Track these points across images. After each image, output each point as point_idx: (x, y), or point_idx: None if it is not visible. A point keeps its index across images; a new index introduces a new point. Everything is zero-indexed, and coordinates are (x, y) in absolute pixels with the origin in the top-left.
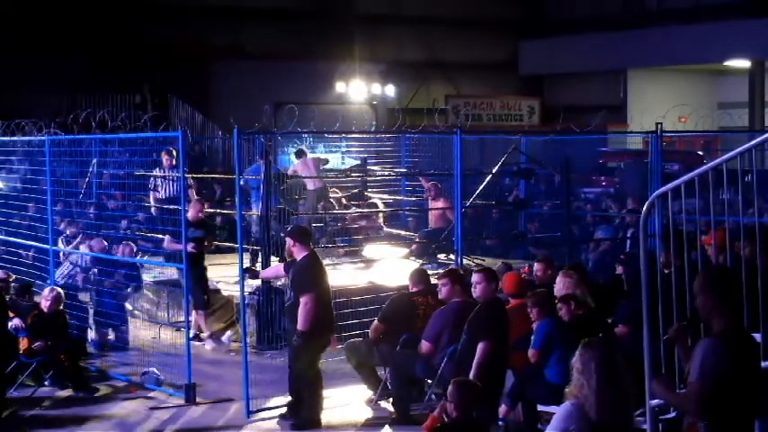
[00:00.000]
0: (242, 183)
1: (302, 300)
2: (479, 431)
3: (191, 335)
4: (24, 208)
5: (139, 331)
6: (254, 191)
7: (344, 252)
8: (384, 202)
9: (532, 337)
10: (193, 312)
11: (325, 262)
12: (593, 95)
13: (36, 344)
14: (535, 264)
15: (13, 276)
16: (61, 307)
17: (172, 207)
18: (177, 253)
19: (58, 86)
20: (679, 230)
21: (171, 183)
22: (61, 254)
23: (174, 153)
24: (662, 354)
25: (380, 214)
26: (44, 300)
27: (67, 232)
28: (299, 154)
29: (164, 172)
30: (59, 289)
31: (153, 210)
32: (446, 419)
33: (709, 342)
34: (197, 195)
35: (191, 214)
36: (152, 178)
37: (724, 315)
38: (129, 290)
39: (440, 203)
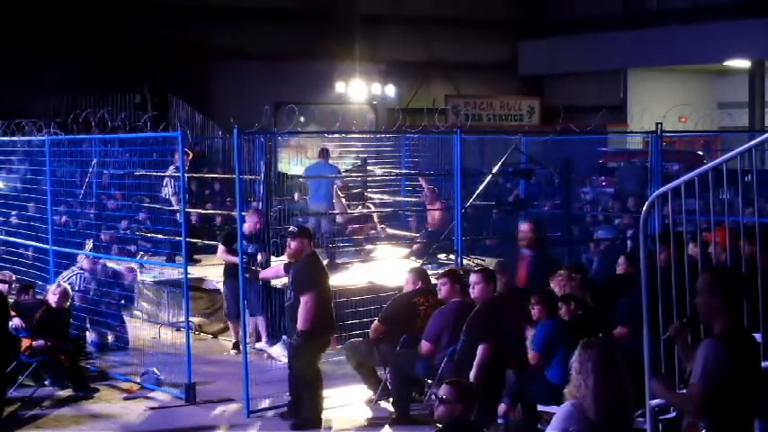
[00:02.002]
0: (301, 180)
1: (302, 299)
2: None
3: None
4: (24, 208)
5: (139, 331)
6: (313, 187)
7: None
8: (383, 203)
9: (531, 337)
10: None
11: (325, 262)
12: (593, 95)
13: (36, 343)
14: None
15: (14, 277)
16: (67, 304)
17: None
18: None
19: (58, 86)
20: (677, 232)
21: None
22: (80, 257)
23: (190, 153)
24: (662, 353)
25: (376, 216)
26: (52, 294)
27: (102, 237)
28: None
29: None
30: (67, 285)
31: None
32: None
33: (712, 343)
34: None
35: (247, 226)
36: (168, 178)
37: (726, 315)
38: (122, 301)
39: (437, 207)
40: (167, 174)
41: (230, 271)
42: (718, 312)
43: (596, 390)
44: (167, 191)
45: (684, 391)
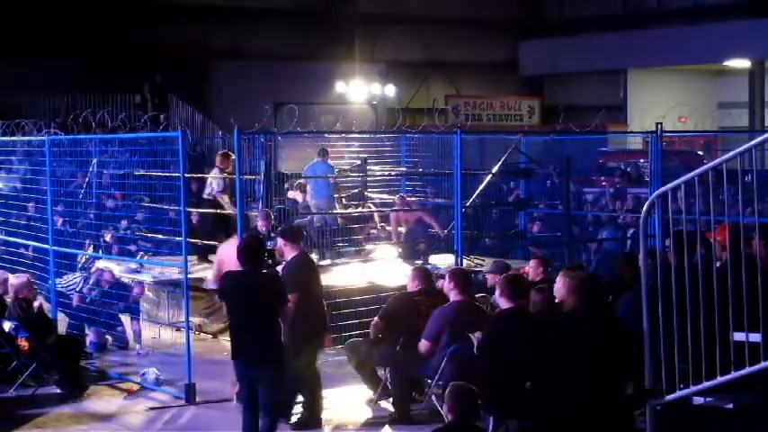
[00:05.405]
0: (302, 180)
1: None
2: None
3: None
4: (24, 208)
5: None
6: (314, 185)
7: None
8: (383, 203)
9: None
10: None
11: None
12: (593, 95)
13: (35, 343)
14: (530, 262)
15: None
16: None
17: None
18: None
19: (58, 86)
20: (678, 231)
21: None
22: (82, 257)
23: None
24: (662, 353)
25: (376, 216)
26: (12, 284)
27: (107, 238)
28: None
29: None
30: (27, 275)
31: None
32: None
33: None
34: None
35: (263, 227)
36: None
37: None
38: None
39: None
40: (211, 175)
41: None
42: None
43: None
44: (210, 189)
45: None
